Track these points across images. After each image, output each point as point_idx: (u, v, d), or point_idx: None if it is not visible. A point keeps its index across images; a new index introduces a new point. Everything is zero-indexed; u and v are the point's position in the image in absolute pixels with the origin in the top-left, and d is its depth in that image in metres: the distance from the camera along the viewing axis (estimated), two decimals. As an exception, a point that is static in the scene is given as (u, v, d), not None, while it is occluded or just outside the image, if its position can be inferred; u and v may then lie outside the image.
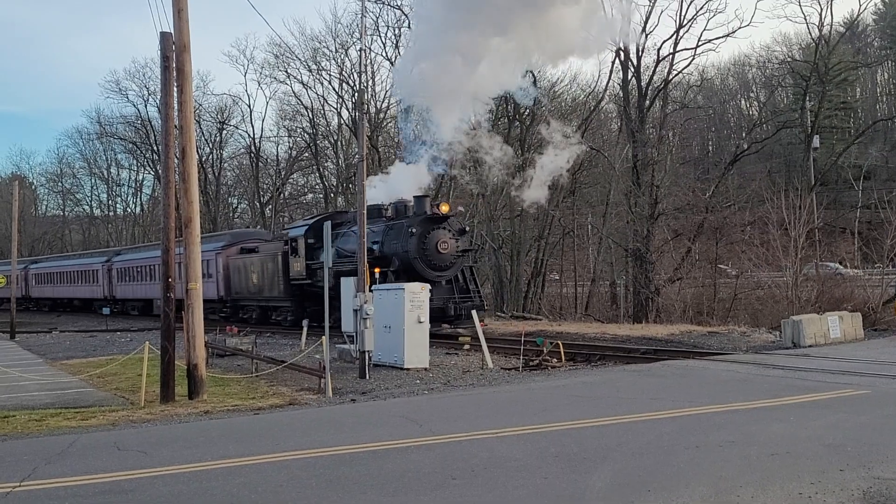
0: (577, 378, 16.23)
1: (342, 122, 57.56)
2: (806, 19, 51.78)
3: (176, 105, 15.08)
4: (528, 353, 20.92)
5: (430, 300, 22.69)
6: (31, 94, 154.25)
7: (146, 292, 47.56)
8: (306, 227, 33.00)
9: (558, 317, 38.20)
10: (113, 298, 52.64)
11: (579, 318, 37.31)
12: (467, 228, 29.68)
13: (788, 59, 57.21)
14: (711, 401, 12.08)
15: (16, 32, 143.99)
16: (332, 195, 59.61)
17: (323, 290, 21.31)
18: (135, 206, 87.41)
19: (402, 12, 45.59)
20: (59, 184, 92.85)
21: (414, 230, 26.57)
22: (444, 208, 27.30)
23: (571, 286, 48.03)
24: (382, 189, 30.18)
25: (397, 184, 29.63)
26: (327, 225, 16.87)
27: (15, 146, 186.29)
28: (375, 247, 27.62)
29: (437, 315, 25.09)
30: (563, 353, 20.74)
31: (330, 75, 55.00)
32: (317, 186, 66.21)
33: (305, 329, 27.19)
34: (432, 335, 21.77)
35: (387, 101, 55.81)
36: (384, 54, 51.92)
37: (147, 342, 17.11)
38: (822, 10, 43.48)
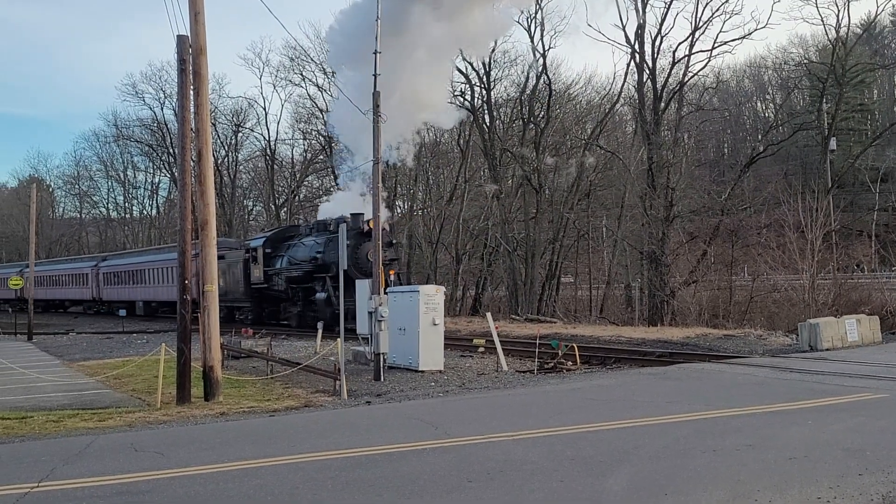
0: (592, 381, 16.17)
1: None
2: (823, 21, 51.33)
3: (192, 108, 15.15)
4: (543, 356, 20.88)
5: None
6: (48, 98, 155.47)
7: (130, 294, 51.33)
8: (264, 238, 38.30)
9: (573, 319, 38.10)
10: (100, 300, 55.76)
11: (594, 320, 37.20)
12: (394, 241, 34.24)
13: (805, 61, 56.91)
14: (728, 404, 12.01)
15: (34, 37, 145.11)
16: (346, 197, 59.79)
17: (278, 293, 27.23)
18: (151, 209, 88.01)
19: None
20: (76, 186, 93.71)
21: (348, 242, 27.41)
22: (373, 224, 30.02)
23: (586, 289, 47.93)
24: (332, 207, 36.24)
25: (342, 203, 35.22)
26: (342, 227, 16.90)
27: (33, 149, 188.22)
28: (319, 255, 33.21)
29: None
30: (578, 355, 20.68)
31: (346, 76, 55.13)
32: (332, 189, 66.33)
33: (320, 331, 27.28)
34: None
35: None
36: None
37: (163, 344, 17.19)
38: (839, 11, 42.99)
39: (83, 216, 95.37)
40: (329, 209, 36.51)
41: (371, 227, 30.14)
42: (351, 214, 32.97)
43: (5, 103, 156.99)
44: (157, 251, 54.27)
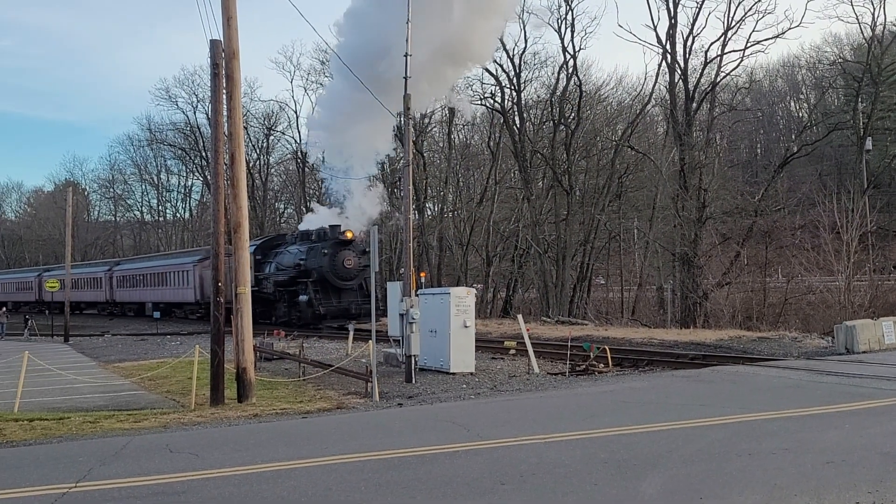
0: (624, 383, 16.07)
1: (387, 127, 57.89)
2: (858, 19, 50.74)
3: (225, 111, 15.27)
4: (575, 358, 20.77)
5: (339, 301, 33.66)
6: (84, 103, 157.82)
7: (140, 297, 55.69)
8: (255, 246, 39.91)
9: (604, 321, 37.91)
10: (114, 302, 59.64)
11: (626, 322, 36.99)
12: (367, 250, 36.36)
13: (839, 60, 56.12)
14: (763, 407, 11.87)
15: (70, 44, 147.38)
16: (377, 200, 59.98)
17: (267, 295, 33.93)
18: (184, 211, 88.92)
19: (447, 17, 45.59)
20: (111, 190, 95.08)
21: (326, 251, 36.20)
22: (349, 235, 36.61)
23: (617, 291, 47.70)
24: (315, 218, 40.41)
25: (322, 216, 39.79)
26: (374, 230, 16.91)
27: (69, 153, 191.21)
28: (302, 262, 37.47)
29: (343, 313, 35.93)
30: (610, 358, 20.55)
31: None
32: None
33: (351, 333, 27.42)
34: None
35: (431, 105, 56.08)
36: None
37: (197, 346, 17.35)
38: (874, 9, 42.38)
39: (118, 219, 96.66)
40: (312, 220, 40.59)
41: (350, 237, 36.12)
42: (329, 226, 37.41)
43: (42, 109, 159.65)
44: (166, 256, 58.11)
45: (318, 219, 39.97)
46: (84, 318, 58.79)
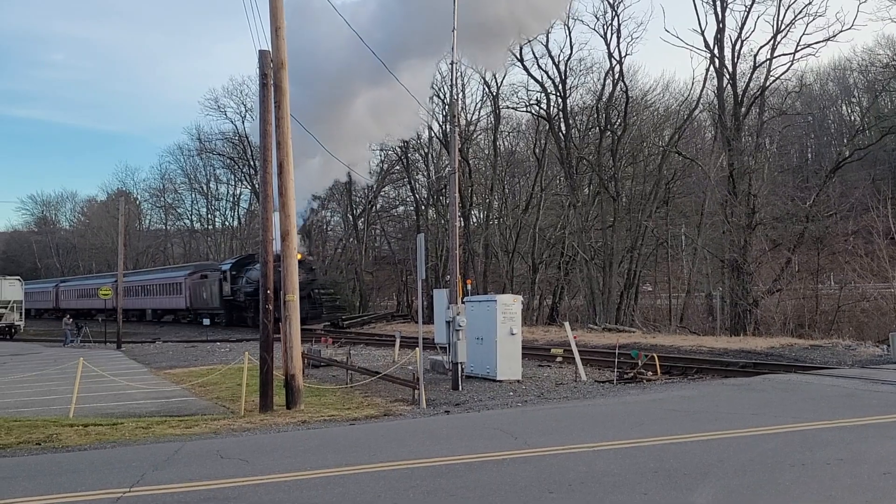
0: (673, 392, 15.88)
1: (433, 134, 58.07)
2: (912, 20, 49.59)
3: (273, 121, 15.44)
4: (622, 366, 20.61)
5: None
6: (135, 114, 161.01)
7: (142, 304, 63.35)
8: (231, 263, 52.64)
9: (652, 329, 37.49)
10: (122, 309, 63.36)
11: (674, 330, 36.55)
12: (314, 267, 48.00)
13: (893, 63, 54.95)
14: (816, 416, 11.64)
15: (122, 56, 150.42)
16: (422, 207, 60.04)
17: (240, 304, 44.02)
18: (232, 220, 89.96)
19: (492, 25, 45.64)
20: (162, 199, 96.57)
21: (281, 269, 39.06)
22: (298, 256, 40.84)
23: (665, 298, 47.19)
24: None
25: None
26: (420, 238, 16.99)
27: (121, 163, 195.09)
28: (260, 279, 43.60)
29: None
30: (658, 365, 20.34)
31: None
32: (408, 199, 66.78)
33: (398, 340, 27.51)
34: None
35: (476, 113, 56.14)
36: (474, 66, 52.18)
37: (246, 353, 17.54)
38: (929, 10, 41.55)
39: (168, 228, 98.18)
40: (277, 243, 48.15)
41: (300, 257, 41.03)
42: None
43: (94, 120, 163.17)
44: (162, 270, 68.08)
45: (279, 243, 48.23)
46: (135, 326, 60.15)
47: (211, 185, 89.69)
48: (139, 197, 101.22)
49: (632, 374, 19.90)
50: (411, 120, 44.28)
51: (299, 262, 42.93)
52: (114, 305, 67.05)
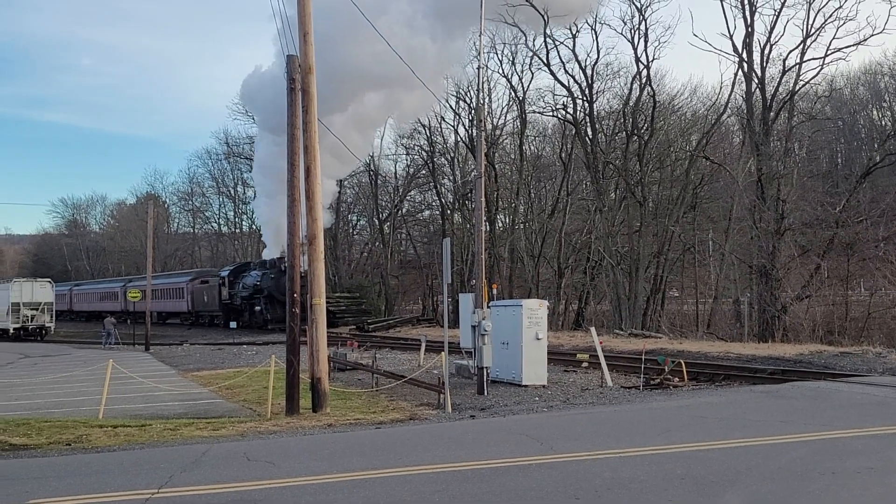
0: (700, 398, 15.77)
1: (459, 139, 58.13)
2: (944, 24, 48.84)
3: (301, 125, 15.51)
4: (649, 372, 20.48)
5: (282, 311, 41.78)
6: (164, 119, 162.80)
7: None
8: (228, 270, 58.73)
9: (679, 335, 37.23)
10: (128, 311, 65.71)
11: (701, 336, 36.28)
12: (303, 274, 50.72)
13: (925, 66, 54.26)
14: (847, 424, 11.51)
15: (149, 62, 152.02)
16: (448, 211, 60.08)
17: (237, 307, 54.40)
18: (259, 224, 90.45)
19: (520, 29, 45.69)
20: (190, 202, 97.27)
21: (273, 276, 49.52)
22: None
23: (692, 303, 46.87)
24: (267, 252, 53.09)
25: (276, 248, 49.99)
26: (446, 243, 16.99)
27: (150, 167, 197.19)
28: (258, 283, 52.01)
29: (283, 319, 47.75)
30: (685, 371, 20.19)
31: (447, 93, 55.63)
32: (434, 203, 66.87)
33: (423, 345, 27.53)
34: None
35: (503, 117, 56.10)
36: (500, 71, 52.22)
37: (273, 355, 17.64)
38: (962, 13, 40.92)
39: (196, 231, 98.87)
40: (267, 254, 53.08)
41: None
42: (277, 257, 48.63)
43: (125, 125, 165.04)
44: (167, 276, 72.04)
45: (271, 252, 52.36)
46: (164, 328, 60.91)
47: (238, 189, 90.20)
48: (168, 200, 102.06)
49: (658, 380, 19.76)
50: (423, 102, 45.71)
51: (280, 261, 45.32)
52: (128, 308, 69.67)
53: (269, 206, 50.09)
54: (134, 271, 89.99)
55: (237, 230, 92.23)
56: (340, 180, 65.05)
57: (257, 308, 52.54)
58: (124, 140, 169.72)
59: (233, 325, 55.00)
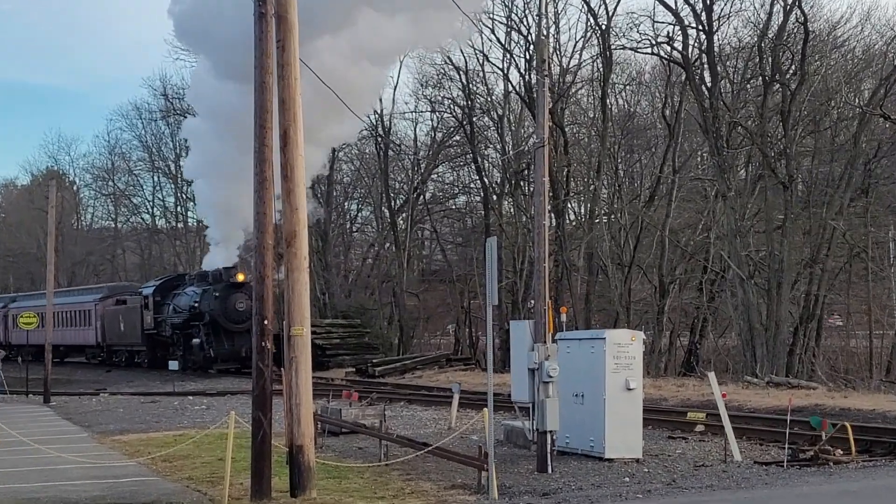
0: (875, 480, 15.68)
1: (511, 88, 58.04)
2: None
3: (275, 69, 15.55)
4: (797, 440, 20.39)
5: (231, 345, 50.57)
6: (73, 62, 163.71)
7: (39, 338, 61.10)
8: (154, 287, 59.61)
9: (842, 384, 36.98)
10: (9, 344, 68.78)
11: (877, 385, 36.02)
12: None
13: None
14: None
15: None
16: (493, 197, 59.88)
17: (166, 338, 57.20)
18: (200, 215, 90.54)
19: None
20: (110, 183, 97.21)
21: (218, 294, 51.78)
22: (241, 277, 50.69)
23: (863, 337, 46.49)
24: (212, 259, 54.95)
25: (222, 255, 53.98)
26: (491, 243, 16.99)
27: (51, 131, 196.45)
28: (196, 304, 53.11)
29: (234, 356, 51.11)
30: (852, 440, 20.06)
31: (493, 20, 55.60)
32: (472, 185, 66.69)
33: (456, 398, 27.52)
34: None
35: (576, 56, 55.90)
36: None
37: (232, 412, 17.71)
38: None
39: (119, 225, 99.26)
40: (211, 261, 55.18)
41: (241, 279, 50.59)
42: (224, 268, 52.53)
43: (16, 69, 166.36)
44: (67, 293, 72.48)
45: (218, 258, 54.53)
46: (66, 369, 61.80)
47: (182, 164, 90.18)
48: (78, 180, 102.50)
49: (811, 453, 19.67)
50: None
51: (242, 284, 49.14)
52: (9, 340, 70.15)
53: (215, 185, 51.28)
54: (28, 284, 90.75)
55: (180, 225, 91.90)
56: (333, 149, 65.29)
57: (195, 340, 53.10)
58: (12, 89, 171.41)
59: (173, 365, 54.82)
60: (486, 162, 61.68)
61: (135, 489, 17.01)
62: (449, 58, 59.91)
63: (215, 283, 52.43)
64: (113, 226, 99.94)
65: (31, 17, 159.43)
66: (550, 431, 18.29)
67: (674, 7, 46.06)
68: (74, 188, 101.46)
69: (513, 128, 59.36)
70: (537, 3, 49.91)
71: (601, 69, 52.22)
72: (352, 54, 43.71)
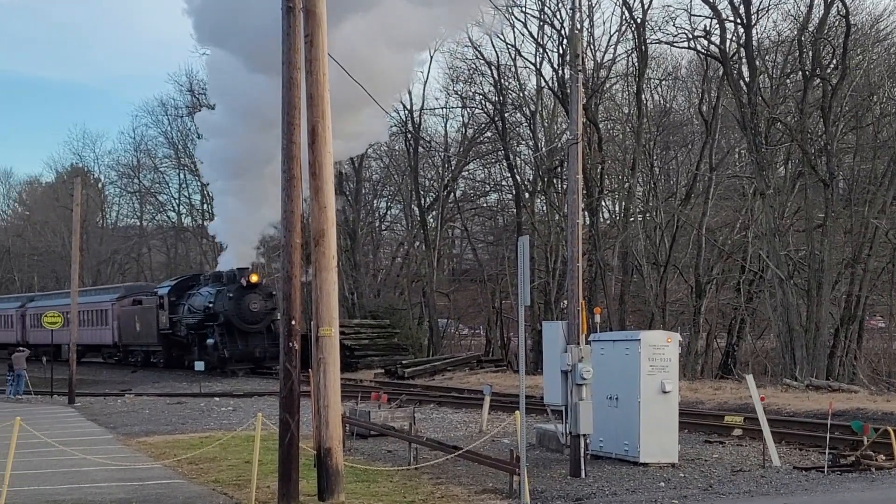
0: (919, 487, 15.55)
1: (543, 83, 57.95)
2: None
3: (303, 64, 15.57)
4: (838, 445, 20.27)
5: (245, 345, 52.96)
6: (100, 57, 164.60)
7: (56, 338, 63.07)
8: (169, 287, 61.06)
9: (885, 387, 36.77)
10: (27, 343, 69.62)
11: (921, 389, 35.78)
12: (274, 293, 53.07)
13: None
14: None
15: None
16: (525, 195, 59.85)
17: (182, 339, 58.41)
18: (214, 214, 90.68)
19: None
20: (136, 181, 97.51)
21: (231, 295, 53.09)
22: (254, 278, 53.56)
23: (907, 338, 46.17)
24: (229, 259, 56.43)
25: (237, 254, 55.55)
26: (523, 242, 16.95)
27: (76, 128, 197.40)
28: (211, 305, 54.43)
29: (248, 357, 53.53)
30: (895, 445, 19.95)
31: (525, 14, 55.56)
32: (504, 183, 66.65)
33: (487, 400, 27.50)
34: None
35: (611, 51, 55.76)
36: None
37: (259, 413, 17.76)
38: None
39: (145, 224, 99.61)
40: (227, 261, 56.83)
41: (255, 280, 53.35)
42: (237, 268, 54.01)
43: (41, 65, 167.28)
44: (84, 293, 70.20)
45: (233, 258, 56.09)
46: (88, 369, 62.10)
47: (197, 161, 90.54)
48: (103, 178, 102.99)
49: (852, 458, 19.57)
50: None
51: (256, 285, 52.86)
52: (27, 339, 70.73)
53: (229, 181, 52.57)
54: (53, 283, 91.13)
55: (206, 223, 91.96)
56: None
57: (209, 341, 54.63)
58: (38, 86, 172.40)
59: (199, 366, 55.07)
60: (517, 159, 61.71)
61: (160, 492, 17.09)
62: (480, 52, 60.00)
63: (229, 283, 54.02)
64: (138, 224, 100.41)
65: (56, 12, 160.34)
66: (584, 435, 18.25)
67: (711, 0, 45.86)
68: (99, 185, 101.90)
69: (545, 124, 59.24)
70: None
71: (636, 64, 52.09)
72: (380, 39, 44.31)
